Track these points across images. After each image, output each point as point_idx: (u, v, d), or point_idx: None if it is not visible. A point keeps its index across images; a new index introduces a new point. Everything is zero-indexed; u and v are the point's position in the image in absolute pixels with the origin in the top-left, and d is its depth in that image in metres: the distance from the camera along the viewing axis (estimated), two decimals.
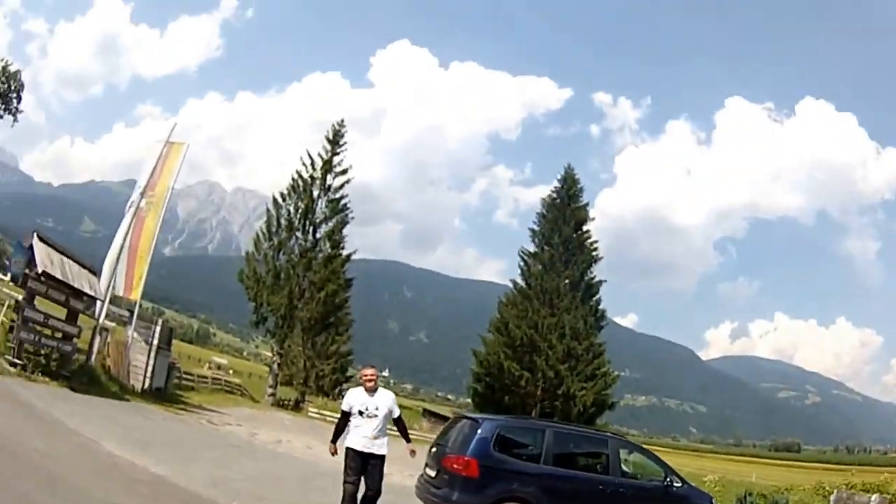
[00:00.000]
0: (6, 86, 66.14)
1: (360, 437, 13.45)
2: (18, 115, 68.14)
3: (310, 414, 62.13)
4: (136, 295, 37.12)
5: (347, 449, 13.51)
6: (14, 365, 23.96)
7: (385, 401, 13.72)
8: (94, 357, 32.74)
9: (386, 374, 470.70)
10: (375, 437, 13.48)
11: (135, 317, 38.10)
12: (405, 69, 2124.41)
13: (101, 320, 34.14)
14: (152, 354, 38.08)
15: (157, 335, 39.29)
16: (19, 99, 67.40)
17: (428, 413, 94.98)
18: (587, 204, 79.24)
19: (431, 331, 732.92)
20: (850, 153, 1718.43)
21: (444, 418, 79.75)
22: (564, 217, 76.09)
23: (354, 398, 13.75)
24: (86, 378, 28.99)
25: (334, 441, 13.93)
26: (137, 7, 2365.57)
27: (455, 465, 15.72)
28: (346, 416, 13.85)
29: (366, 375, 13.89)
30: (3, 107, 66.53)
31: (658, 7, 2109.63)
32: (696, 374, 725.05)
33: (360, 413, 13.50)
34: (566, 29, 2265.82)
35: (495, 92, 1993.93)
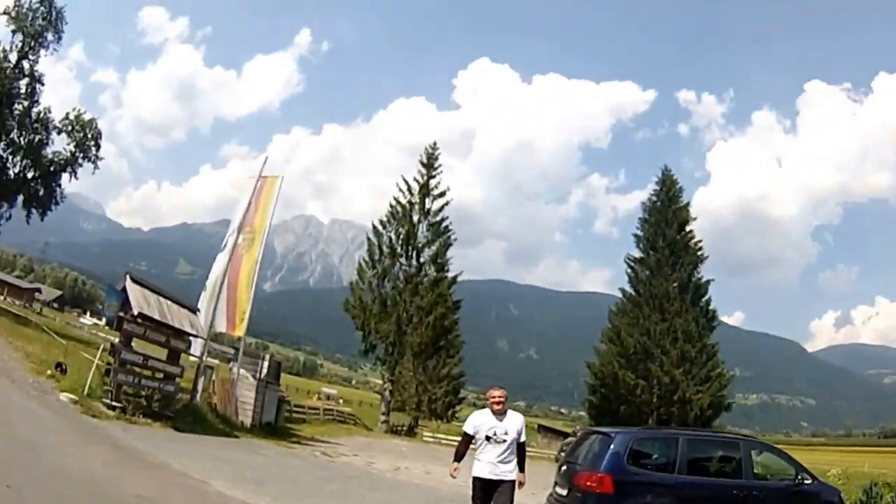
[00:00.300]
0: (82, 134, 66.26)
1: (486, 463, 12.03)
2: (99, 163, 68.23)
3: (425, 439, 61.21)
4: (240, 331, 36.24)
5: (474, 479, 12.11)
6: (112, 408, 22.99)
7: (514, 424, 12.28)
8: (198, 395, 31.86)
9: None
10: (504, 463, 12.03)
11: (240, 353, 37.23)
12: (489, 87, 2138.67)
13: (203, 358, 33.26)
14: (261, 389, 37.13)
15: (264, 369, 38.38)
16: (98, 146, 67.50)
17: (543, 428, 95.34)
18: (688, 204, 77.81)
19: (541, 346, 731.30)
20: None
21: (560, 433, 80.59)
22: (667, 219, 74.91)
23: (481, 421, 12.30)
24: (191, 417, 28.04)
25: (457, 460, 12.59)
26: (209, 51, 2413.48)
27: (589, 483, 14.75)
28: (468, 439, 12.44)
29: (494, 398, 12.34)
30: (82, 155, 66.61)
31: None
32: (804, 368, 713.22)
33: (488, 438, 12.05)
34: (641, 29, 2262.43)
35: (581, 101, 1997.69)
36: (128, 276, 25.94)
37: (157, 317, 25.89)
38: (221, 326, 35.79)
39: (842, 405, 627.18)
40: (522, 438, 12.44)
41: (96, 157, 67.48)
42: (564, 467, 16.66)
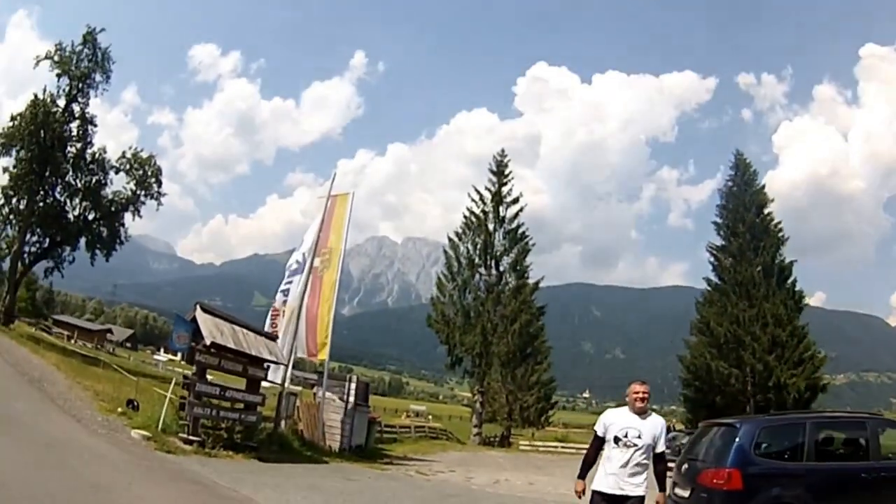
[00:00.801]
0: (141, 172, 65.92)
1: (609, 474, 9.78)
2: (162, 199, 67.80)
3: (521, 448, 60.28)
4: (323, 355, 35.07)
5: (593, 493, 9.86)
6: (190, 443, 21.76)
7: (652, 428, 9.97)
8: (283, 423, 30.69)
9: (587, 395, 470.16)
10: (632, 475, 9.74)
11: (325, 376, 36.05)
12: (549, 91, 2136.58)
13: (286, 385, 32.08)
14: (349, 412, 35.89)
15: (352, 392, 37.09)
16: (159, 182, 67.33)
17: None
18: (763, 186, 76.40)
19: (626, 345, 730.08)
20: None
21: None
22: (745, 204, 73.51)
23: (614, 418, 10.18)
24: (276, 446, 26.84)
25: (582, 476, 10.31)
26: (265, 83, 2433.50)
27: (715, 481, 13.48)
28: (597, 442, 10.23)
29: (636, 392, 10.05)
30: (144, 192, 66.22)
31: None
32: (888, 343, 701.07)
33: (616, 440, 9.83)
34: (693, 16, 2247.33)
35: (643, 95, 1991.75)
36: (197, 306, 24.80)
37: (231, 345, 24.71)
38: (302, 351, 34.75)
39: None
40: (661, 447, 10.10)
41: (159, 193, 67.42)
42: (685, 465, 15.40)
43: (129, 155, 66.27)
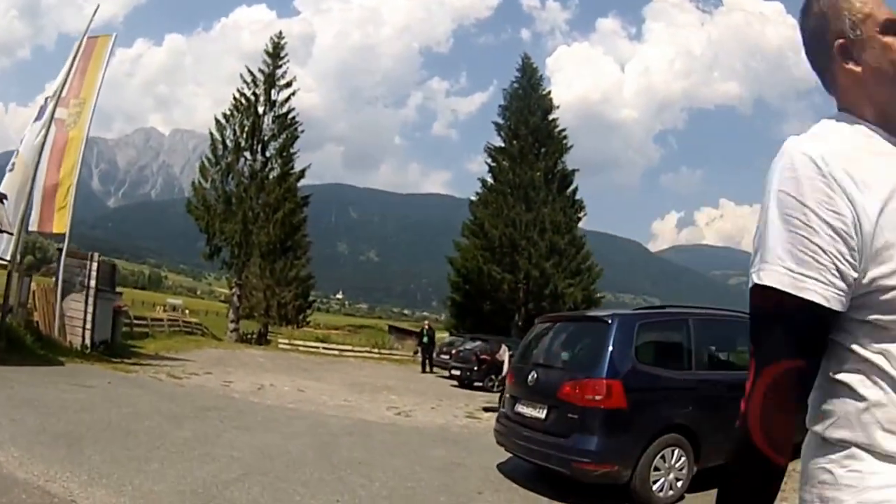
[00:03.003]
0: None
1: None
2: None
3: (280, 347, 58.07)
4: (60, 227, 28.90)
5: None
6: None
7: None
8: (13, 313, 25.46)
9: (340, 296, 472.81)
10: None
11: (63, 255, 29.79)
12: None
13: (17, 262, 26.50)
14: (90, 299, 30.02)
15: (93, 275, 30.94)
16: None
17: (394, 329, 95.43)
18: (550, 92, 74.15)
19: (381, 249, 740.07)
20: (781, 40, 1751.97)
21: (410, 332, 79.33)
22: (529, 107, 71.07)
23: None
24: (2, 342, 22.15)
25: None
26: None
27: (589, 396, 10.73)
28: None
29: None
30: None
31: None
32: (646, 267, 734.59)
33: None
34: None
35: (422, 4, 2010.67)
36: None
37: None
38: (35, 223, 28.79)
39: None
40: None
41: None
42: (533, 374, 12.24)
43: None
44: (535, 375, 12.19)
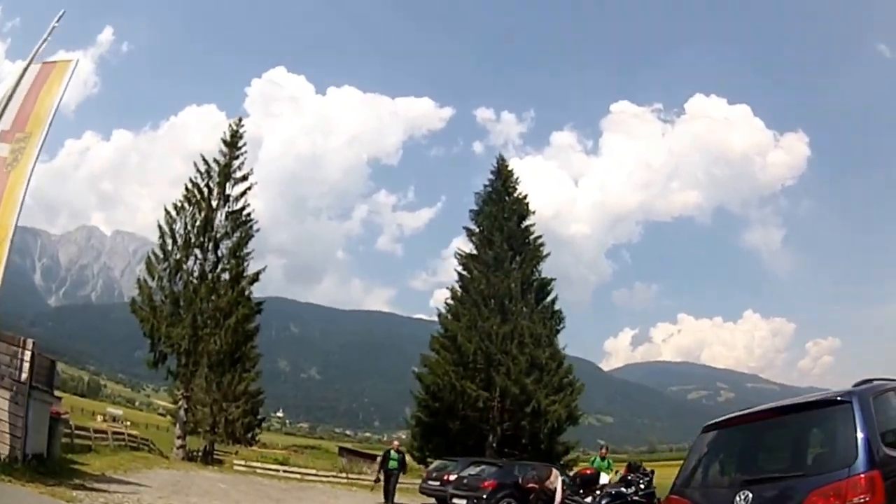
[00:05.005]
0: None
1: None
2: None
3: (236, 468, 53.62)
4: None
5: None
6: None
7: None
8: None
9: (280, 414, 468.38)
10: None
11: None
12: (282, 97, 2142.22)
13: None
14: (21, 399, 24.54)
15: (26, 367, 25.28)
16: None
17: (345, 451, 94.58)
18: (526, 196, 71.70)
19: (323, 366, 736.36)
20: (746, 145, 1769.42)
21: (364, 455, 78.90)
22: (504, 211, 68.93)
23: None
24: None
25: None
26: (13, 48, 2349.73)
27: (853, 498, 8.11)
28: None
29: None
30: None
31: (537, 15, 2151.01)
32: (600, 386, 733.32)
33: None
34: (443, 46, 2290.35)
35: (375, 115, 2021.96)
36: None
37: None
38: None
39: (643, 422, 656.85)
40: None
41: None
42: (743, 496, 9.05)
43: None
44: (750, 496, 8.97)
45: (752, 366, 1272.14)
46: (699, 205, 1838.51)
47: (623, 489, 25.44)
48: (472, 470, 36.74)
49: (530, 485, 29.61)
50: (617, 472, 30.80)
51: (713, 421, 11.49)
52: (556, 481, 24.40)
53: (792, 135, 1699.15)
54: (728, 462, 10.65)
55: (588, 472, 29.81)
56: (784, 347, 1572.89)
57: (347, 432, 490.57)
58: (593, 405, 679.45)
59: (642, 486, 25.59)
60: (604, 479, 26.12)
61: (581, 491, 29.68)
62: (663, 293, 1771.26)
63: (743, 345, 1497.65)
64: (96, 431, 48.91)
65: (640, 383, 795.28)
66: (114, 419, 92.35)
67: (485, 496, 31.69)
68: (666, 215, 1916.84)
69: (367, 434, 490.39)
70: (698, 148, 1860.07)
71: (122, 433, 58.75)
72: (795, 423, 9.91)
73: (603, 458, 35.34)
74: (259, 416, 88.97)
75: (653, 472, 27.27)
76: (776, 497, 8.91)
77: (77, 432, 42.02)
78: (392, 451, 38.43)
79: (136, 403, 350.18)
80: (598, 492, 27.15)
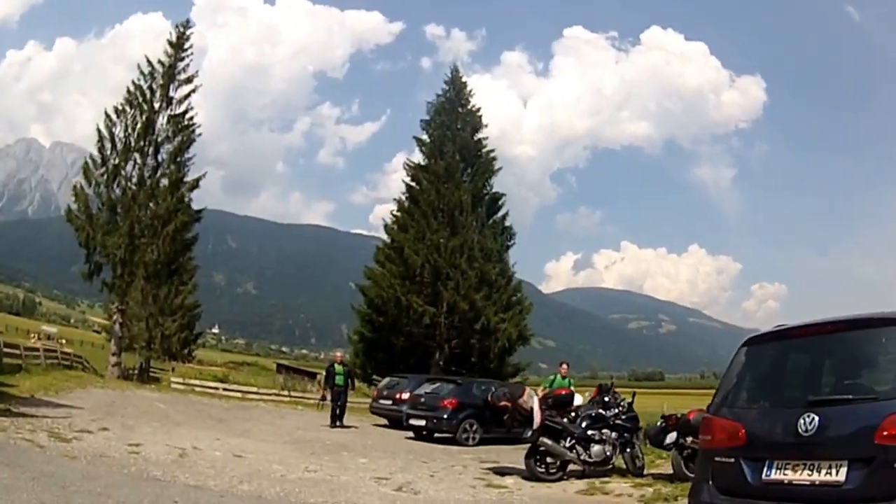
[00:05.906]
0: None
1: None
2: None
3: (174, 386, 51.04)
4: None
5: None
6: None
7: None
8: None
9: (216, 330, 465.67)
10: None
11: None
12: (228, 6, 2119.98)
13: None
14: None
15: None
16: None
17: (283, 368, 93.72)
18: (480, 109, 69.70)
19: (260, 281, 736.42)
20: (701, 82, 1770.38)
21: (303, 372, 77.32)
22: (457, 122, 67.10)
23: None
24: None
25: None
26: None
27: None
28: None
29: None
30: None
31: None
32: (539, 308, 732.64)
33: None
34: None
35: (322, 26, 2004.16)
36: None
37: None
38: None
39: (585, 348, 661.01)
40: None
41: None
42: (808, 419, 8.06)
43: None
44: (816, 420, 8.01)
45: (695, 300, 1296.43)
46: (649, 136, 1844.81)
47: (602, 411, 23.40)
48: (427, 388, 34.36)
49: (502, 403, 27.24)
50: (585, 394, 29.03)
51: (759, 332, 10.38)
52: (532, 400, 22.04)
53: (749, 77, 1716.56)
54: (783, 381, 9.64)
55: (563, 392, 27.44)
56: (729, 286, 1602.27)
57: (283, 349, 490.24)
58: (533, 327, 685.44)
59: (623, 408, 23.59)
60: (577, 399, 23.92)
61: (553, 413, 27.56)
62: (608, 220, 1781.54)
63: (686, 278, 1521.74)
64: (27, 349, 46.25)
65: (581, 308, 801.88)
66: (48, 337, 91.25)
67: (445, 416, 30.18)
68: (615, 143, 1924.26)
69: (304, 351, 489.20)
70: (651, 79, 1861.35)
71: (55, 351, 56.46)
72: (866, 341, 8.80)
73: (564, 377, 33.09)
74: (195, 332, 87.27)
75: (634, 393, 25.24)
76: (846, 421, 8.00)
77: (7, 349, 40.16)
78: (337, 366, 35.50)
79: (72, 321, 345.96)
80: (573, 414, 24.94)
